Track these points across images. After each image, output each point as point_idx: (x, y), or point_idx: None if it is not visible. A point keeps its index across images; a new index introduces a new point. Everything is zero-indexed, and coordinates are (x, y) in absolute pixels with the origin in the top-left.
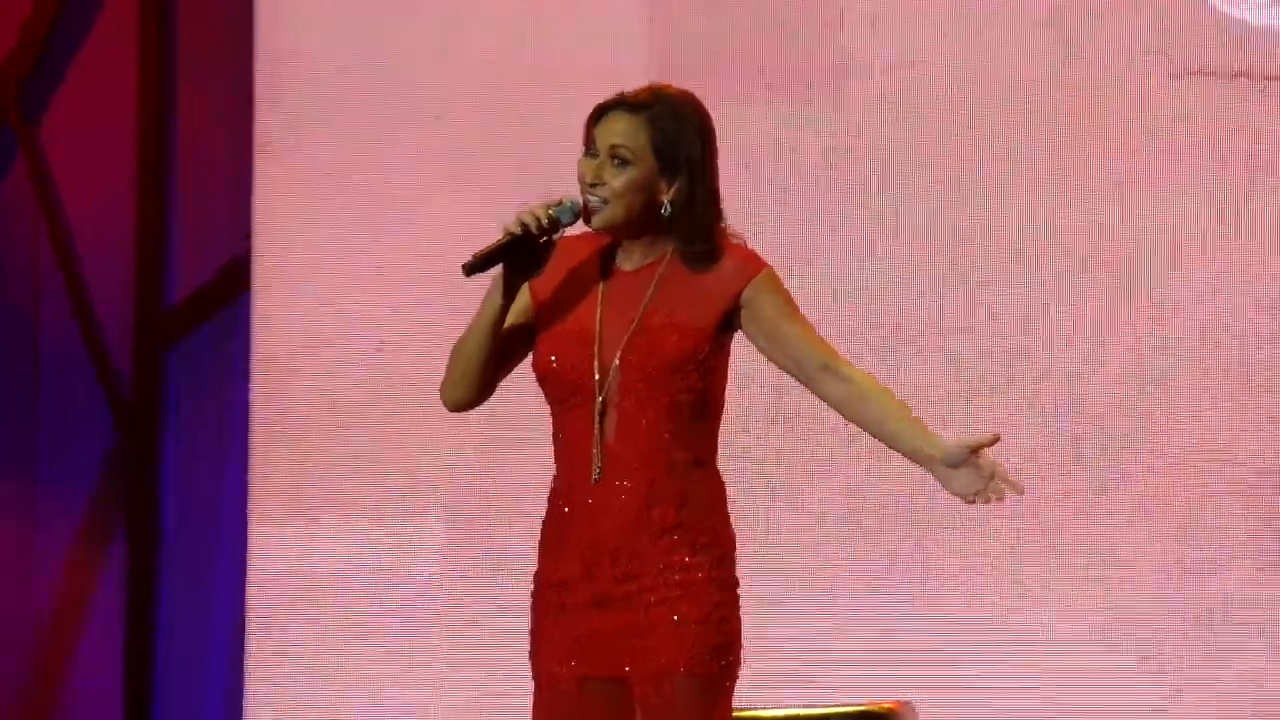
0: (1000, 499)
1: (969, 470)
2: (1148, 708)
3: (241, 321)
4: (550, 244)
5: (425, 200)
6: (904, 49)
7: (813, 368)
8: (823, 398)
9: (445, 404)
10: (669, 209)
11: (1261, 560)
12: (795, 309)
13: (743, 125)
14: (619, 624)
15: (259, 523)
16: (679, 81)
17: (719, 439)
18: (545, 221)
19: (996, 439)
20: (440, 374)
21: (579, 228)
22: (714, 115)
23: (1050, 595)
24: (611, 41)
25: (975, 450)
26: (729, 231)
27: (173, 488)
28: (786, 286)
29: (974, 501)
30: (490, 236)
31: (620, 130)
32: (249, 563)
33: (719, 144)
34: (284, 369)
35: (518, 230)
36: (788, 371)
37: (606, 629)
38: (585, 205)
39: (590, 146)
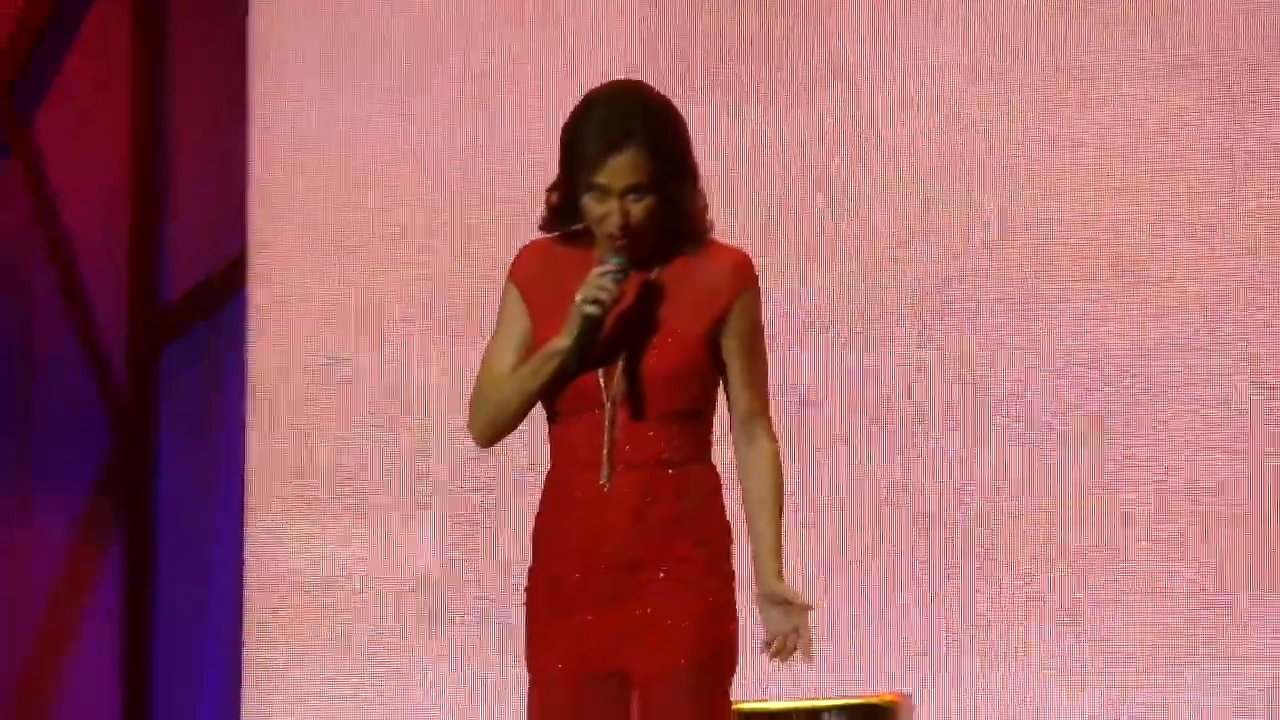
0: (789, 654)
1: (780, 611)
2: (1152, 701)
3: (237, 318)
4: (618, 302)
5: (421, 199)
6: (890, 56)
7: (738, 411)
8: (734, 442)
9: (480, 444)
10: (678, 212)
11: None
12: (761, 338)
13: (728, 130)
14: (618, 618)
15: (256, 520)
16: (666, 85)
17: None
18: (617, 290)
19: (810, 609)
20: (434, 369)
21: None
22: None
23: (1048, 589)
24: (600, 57)
25: (788, 600)
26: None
27: (169, 486)
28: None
29: (768, 649)
30: (485, 240)
31: (628, 169)
32: (246, 561)
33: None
34: (280, 366)
35: (599, 311)
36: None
37: (605, 623)
38: (623, 250)
39: (599, 189)
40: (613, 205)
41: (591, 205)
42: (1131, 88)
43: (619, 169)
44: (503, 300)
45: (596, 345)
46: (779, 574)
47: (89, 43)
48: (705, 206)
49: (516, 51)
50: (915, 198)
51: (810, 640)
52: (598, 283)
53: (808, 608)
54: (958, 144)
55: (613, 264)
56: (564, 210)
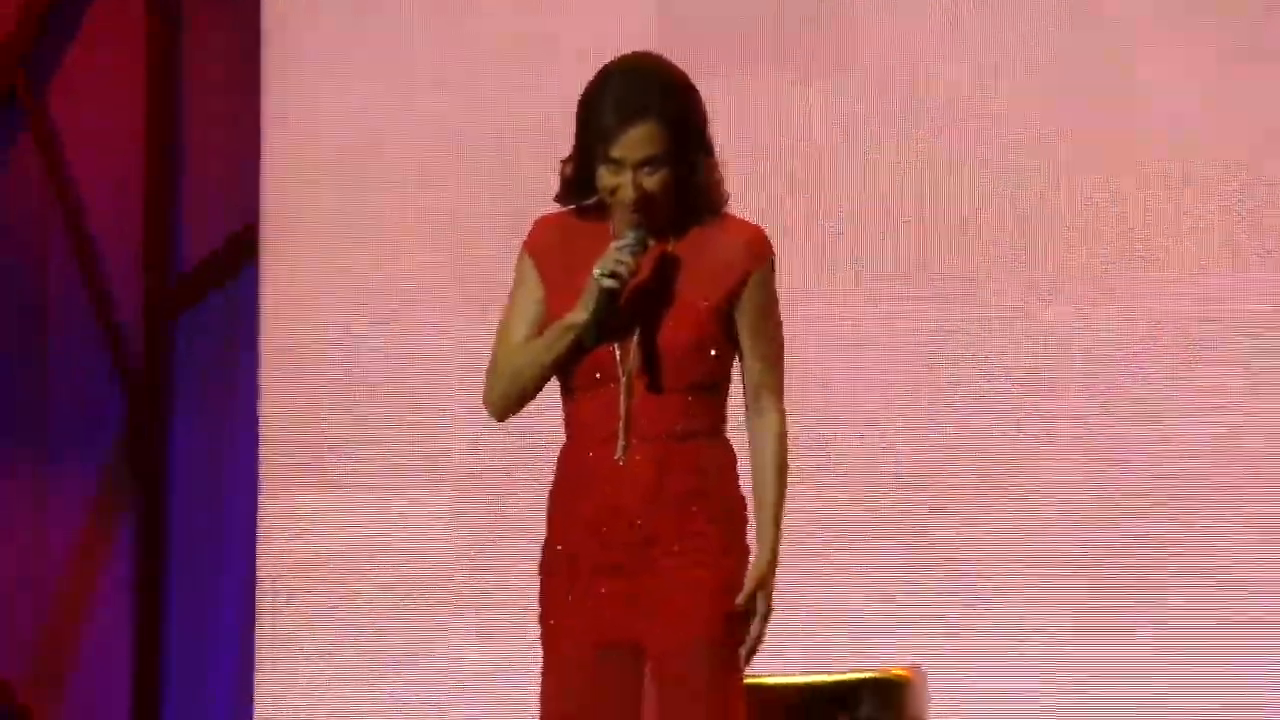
0: (752, 657)
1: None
2: (1155, 673)
3: (250, 290)
4: (635, 275)
5: (432, 168)
6: (913, 23)
7: (749, 386)
8: (746, 416)
9: (495, 417)
10: (694, 184)
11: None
12: (775, 312)
13: (747, 96)
14: (633, 590)
15: (270, 493)
16: (685, 53)
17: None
18: (634, 264)
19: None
20: (449, 340)
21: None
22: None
23: (1063, 563)
24: (618, 35)
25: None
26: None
27: (183, 456)
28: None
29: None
30: (500, 213)
31: (643, 143)
32: (259, 534)
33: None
34: (294, 338)
35: (616, 285)
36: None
37: (620, 596)
38: (640, 223)
39: (613, 162)
40: (626, 177)
41: (605, 177)
42: (1165, 65)
43: (633, 142)
44: (517, 272)
45: (613, 319)
46: (767, 564)
47: (103, 14)
48: (721, 179)
49: (532, 26)
50: (932, 178)
51: (758, 646)
52: (615, 256)
53: (766, 617)
54: (975, 126)
55: (630, 237)
56: (578, 182)
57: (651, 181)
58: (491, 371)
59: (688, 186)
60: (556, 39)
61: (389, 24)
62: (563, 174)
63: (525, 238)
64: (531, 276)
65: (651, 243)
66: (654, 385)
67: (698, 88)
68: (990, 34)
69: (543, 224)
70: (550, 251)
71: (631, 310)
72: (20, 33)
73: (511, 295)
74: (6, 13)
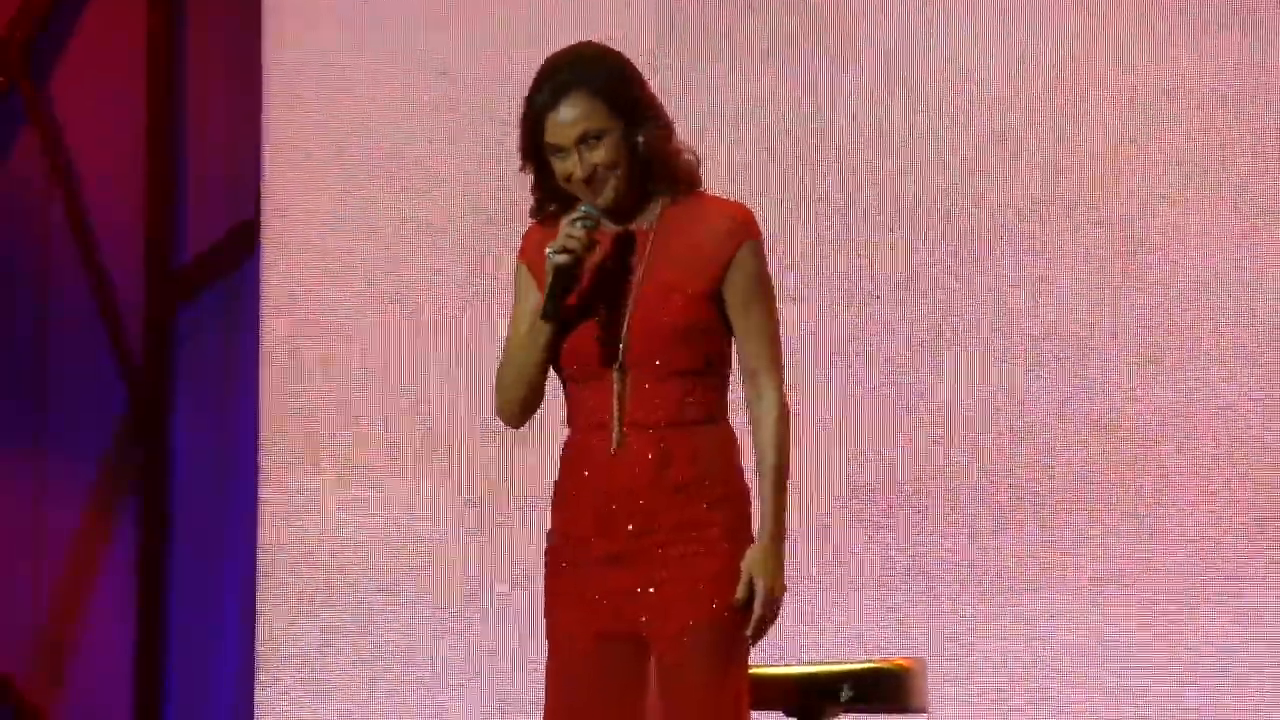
0: (760, 637)
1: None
2: (1154, 660)
3: (251, 282)
4: (591, 250)
5: (433, 158)
6: (910, 19)
7: (744, 368)
8: (745, 400)
9: (508, 423)
10: (644, 151)
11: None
12: (766, 292)
13: (748, 91)
14: (635, 579)
15: (270, 485)
16: (689, 47)
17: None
18: (586, 238)
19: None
20: (449, 333)
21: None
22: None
23: (1060, 552)
24: (621, 16)
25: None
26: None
27: (184, 448)
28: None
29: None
30: (501, 204)
31: (576, 115)
32: (260, 525)
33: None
34: (294, 330)
35: (568, 260)
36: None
37: (622, 585)
38: (594, 199)
39: (555, 149)
40: (573, 158)
41: (557, 167)
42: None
43: (564, 122)
44: (515, 284)
45: (570, 296)
46: (766, 549)
47: (105, 7)
48: (681, 151)
49: (535, 13)
50: (935, 171)
51: (764, 629)
52: (566, 230)
53: (769, 600)
54: (976, 100)
55: (580, 211)
56: (543, 190)
57: (597, 154)
58: (497, 380)
59: (638, 158)
60: (562, 31)
61: (390, 17)
62: (531, 189)
63: (518, 251)
64: (527, 283)
65: (610, 225)
66: (648, 373)
67: (697, 82)
68: (997, 26)
69: (533, 232)
70: (542, 257)
71: (620, 297)
72: (21, 25)
73: (513, 308)
74: (8, 4)
